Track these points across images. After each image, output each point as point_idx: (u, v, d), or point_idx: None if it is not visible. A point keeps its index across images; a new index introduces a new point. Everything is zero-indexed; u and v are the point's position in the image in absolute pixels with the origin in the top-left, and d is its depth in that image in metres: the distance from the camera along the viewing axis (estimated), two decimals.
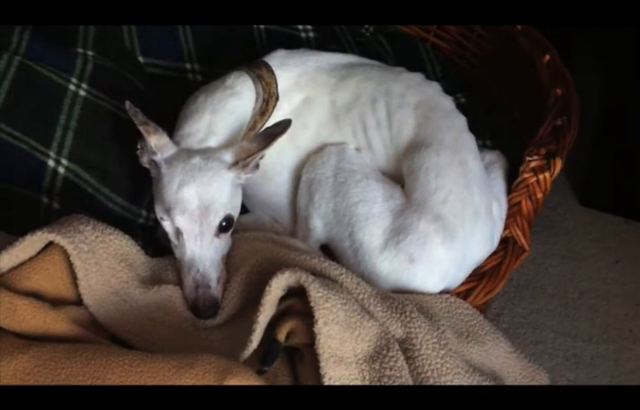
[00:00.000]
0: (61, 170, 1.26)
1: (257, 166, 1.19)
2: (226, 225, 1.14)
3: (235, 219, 1.17)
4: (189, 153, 1.16)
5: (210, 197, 1.12)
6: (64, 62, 1.34)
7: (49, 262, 1.01)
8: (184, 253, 1.12)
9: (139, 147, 1.19)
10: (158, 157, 1.15)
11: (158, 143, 1.14)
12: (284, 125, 1.15)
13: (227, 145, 1.19)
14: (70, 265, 1.02)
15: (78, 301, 1.03)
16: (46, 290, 1.00)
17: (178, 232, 1.13)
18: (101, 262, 1.05)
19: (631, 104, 1.90)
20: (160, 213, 1.15)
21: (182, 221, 1.11)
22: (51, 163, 1.26)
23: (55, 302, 1.00)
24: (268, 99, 1.27)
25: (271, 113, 1.27)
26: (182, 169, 1.12)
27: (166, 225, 1.14)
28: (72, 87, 1.32)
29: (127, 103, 1.13)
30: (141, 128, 1.13)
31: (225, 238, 1.16)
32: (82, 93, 1.33)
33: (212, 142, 1.21)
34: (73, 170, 1.27)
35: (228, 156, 1.16)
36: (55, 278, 1.02)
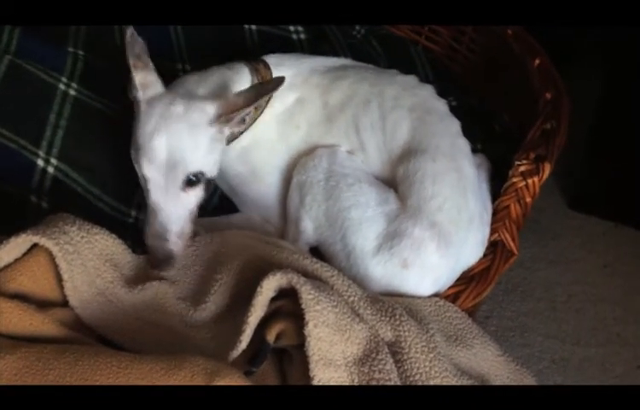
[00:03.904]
0: (51, 169, 1.26)
1: (243, 121, 1.17)
2: (196, 181, 1.13)
3: (209, 175, 1.15)
4: (173, 98, 1.13)
5: (180, 151, 1.10)
6: (54, 61, 1.34)
7: (34, 264, 1.00)
8: (149, 199, 1.12)
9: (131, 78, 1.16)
10: (140, 95, 1.13)
11: (143, 80, 1.12)
12: (276, 83, 1.13)
13: (214, 98, 1.17)
14: (56, 266, 1.01)
15: (65, 303, 1.02)
16: (32, 292, 1.00)
17: (145, 178, 1.12)
18: (86, 263, 1.04)
19: (625, 110, 1.91)
20: (132, 154, 1.13)
21: (148, 170, 1.11)
22: (40, 162, 1.25)
23: (42, 304, 0.99)
24: None
25: (264, 108, 1.27)
26: (159, 115, 1.11)
27: (136, 168, 1.13)
28: (62, 86, 1.32)
29: (129, 31, 1.11)
30: (130, 62, 1.11)
31: (194, 193, 1.14)
32: (72, 92, 1.32)
33: (201, 91, 1.20)
34: (63, 169, 1.27)
35: (211, 108, 1.13)
36: (41, 279, 1.01)
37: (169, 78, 1.50)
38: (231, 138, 1.25)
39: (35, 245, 1.02)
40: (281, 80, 1.14)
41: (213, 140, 1.14)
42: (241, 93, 1.15)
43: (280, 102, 1.29)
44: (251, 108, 1.14)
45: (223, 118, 1.13)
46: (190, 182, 1.12)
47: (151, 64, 1.13)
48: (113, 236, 1.10)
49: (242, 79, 1.25)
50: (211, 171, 1.16)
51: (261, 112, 1.27)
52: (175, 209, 1.12)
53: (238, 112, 1.13)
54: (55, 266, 1.01)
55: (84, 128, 1.31)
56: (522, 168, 1.25)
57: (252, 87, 1.16)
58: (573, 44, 2.19)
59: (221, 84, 1.24)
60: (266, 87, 1.14)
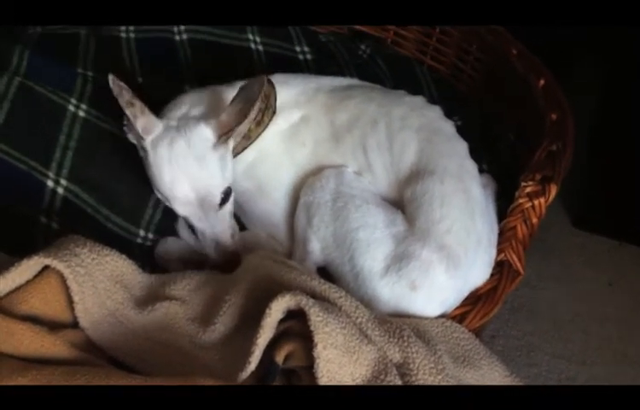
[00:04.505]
0: (60, 190, 1.27)
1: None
2: (225, 197, 1.21)
3: (232, 184, 1.23)
4: (171, 135, 1.17)
5: (204, 186, 1.17)
6: (64, 82, 1.35)
7: (45, 286, 1.01)
8: (195, 226, 1.21)
9: (125, 122, 1.20)
10: (144, 143, 1.17)
11: (144, 125, 1.16)
12: (259, 82, 1.16)
13: (210, 115, 1.21)
14: (67, 288, 1.02)
15: (76, 324, 1.03)
16: (44, 314, 1.00)
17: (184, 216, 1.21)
18: (97, 285, 1.05)
19: (626, 127, 1.92)
20: (159, 195, 1.21)
21: (183, 211, 1.19)
22: (50, 183, 1.26)
23: (53, 326, 0.99)
24: (265, 110, 1.27)
25: (267, 125, 1.28)
26: (169, 161, 1.16)
27: (168, 204, 1.21)
28: (71, 107, 1.33)
29: (111, 78, 1.14)
30: (127, 112, 1.15)
31: (229, 202, 1.22)
32: (81, 113, 1.33)
33: (194, 112, 1.23)
34: (72, 190, 1.28)
35: (209, 133, 1.18)
36: (52, 301, 1.01)
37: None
38: (235, 153, 1.26)
39: (46, 267, 1.02)
40: (262, 79, 1.17)
41: (222, 158, 1.19)
42: (230, 108, 1.18)
43: (284, 119, 1.30)
44: (249, 119, 1.17)
45: (223, 137, 1.17)
46: (222, 201, 1.20)
47: (143, 105, 1.16)
48: (124, 256, 1.11)
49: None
50: (232, 182, 1.24)
51: (264, 128, 1.28)
52: (220, 225, 1.20)
53: (235, 128, 1.17)
54: (66, 288, 1.02)
55: (93, 149, 1.32)
56: (529, 189, 1.26)
57: (237, 97, 1.18)
58: (573, 64, 2.20)
59: (218, 99, 1.26)
60: (252, 90, 1.17)
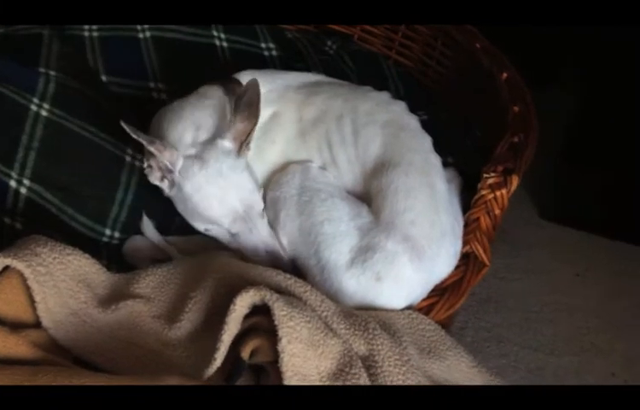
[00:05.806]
0: (24, 190, 1.26)
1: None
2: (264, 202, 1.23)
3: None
4: (196, 161, 1.18)
5: (248, 195, 1.19)
6: (26, 82, 1.33)
7: (6, 286, 1.00)
8: (246, 246, 1.20)
9: (146, 165, 1.20)
10: (176, 176, 1.18)
11: (170, 159, 1.17)
12: (253, 87, 1.18)
13: (215, 135, 1.22)
14: (28, 288, 1.01)
15: (38, 324, 1.02)
16: (5, 314, 0.99)
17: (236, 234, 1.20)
18: (59, 284, 1.04)
19: (599, 121, 1.95)
20: (203, 226, 1.21)
21: (235, 227, 1.19)
22: (13, 184, 1.25)
23: (15, 326, 0.99)
24: None
25: None
26: (208, 183, 1.16)
27: (214, 231, 1.21)
28: (33, 107, 1.31)
29: (124, 124, 1.12)
30: (152, 148, 1.15)
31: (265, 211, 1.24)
32: (44, 113, 1.32)
33: (202, 136, 1.22)
34: (36, 190, 1.26)
35: (229, 144, 1.19)
36: (14, 301, 1.01)
37: (143, 99, 1.53)
38: None
39: (7, 267, 1.01)
40: (254, 82, 1.18)
41: (248, 165, 1.22)
42: (238, 117, 1.19)
43: None
44: (256, 124, 1.20)
45: (244, 145, 1.19)
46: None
47: (162, 141, 1.17)
48: (87, 255, 1.10)
49: (220, 103, 1.27)
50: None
51: None
52: (266, 232, 1.22)
53: (251, 134, 1.19)
54: (28, 288, 1.01)
55: (56, 148, 1.30)
56: (490, 181, 1.26)
57: (238, 106, 1.19)
58: (550, 53, 2.23)
59: (210, 114, 1.25)
60: (253, 92, 1.18)
